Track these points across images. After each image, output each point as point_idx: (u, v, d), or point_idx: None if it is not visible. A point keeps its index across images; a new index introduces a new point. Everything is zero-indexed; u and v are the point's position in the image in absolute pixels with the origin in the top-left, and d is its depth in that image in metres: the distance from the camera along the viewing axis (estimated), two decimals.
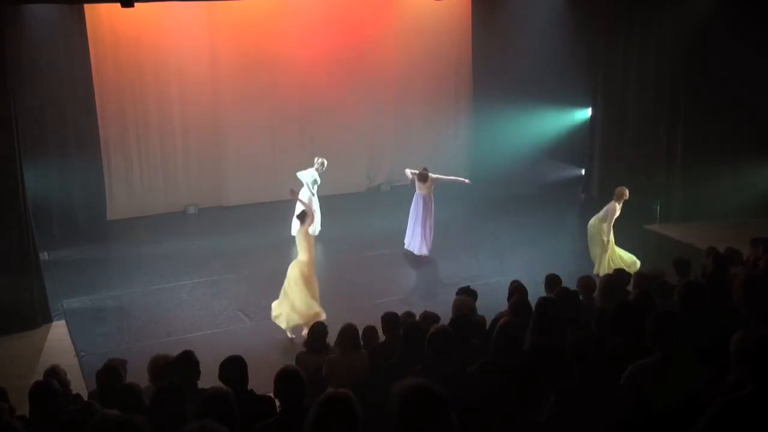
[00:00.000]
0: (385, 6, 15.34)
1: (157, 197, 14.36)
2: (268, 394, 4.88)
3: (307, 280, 9.27)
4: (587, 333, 4.42)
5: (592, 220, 11.08)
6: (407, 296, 10.31)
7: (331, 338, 6.53)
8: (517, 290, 6.93)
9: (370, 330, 6.75)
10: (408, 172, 12.24)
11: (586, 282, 7.20)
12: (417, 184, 12.00)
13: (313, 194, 12.59)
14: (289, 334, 9.27)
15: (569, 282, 7.25)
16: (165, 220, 14.09)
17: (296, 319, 9.18)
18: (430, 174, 11.91)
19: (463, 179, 12.33)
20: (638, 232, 13.09)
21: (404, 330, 5.70)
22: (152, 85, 14.03)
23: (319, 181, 12.68)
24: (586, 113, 15.30)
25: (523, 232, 12.81)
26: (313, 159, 12.83)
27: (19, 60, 11.69)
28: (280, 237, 12.90)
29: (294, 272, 9.29)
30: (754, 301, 4.97)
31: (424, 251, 11.86)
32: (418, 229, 11.88)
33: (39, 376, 6.21)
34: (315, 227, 12.08)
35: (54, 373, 5.93)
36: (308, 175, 12.62)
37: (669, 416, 3.96)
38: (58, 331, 9.86)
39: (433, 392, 2.99)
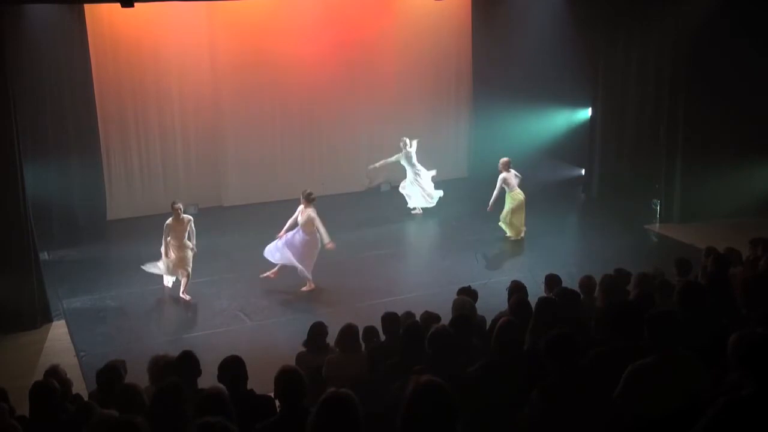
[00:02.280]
0: (385, 6, 15.33)
1: (157, 197, 14.32)
2: (268, 394, 4.88)
3: None
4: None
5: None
6: (407, 296, 10.30)
7: (331, 338, 6.53)
8: (517, 290, 6.93)
9: (370, 330, 6.74)
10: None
11: (586, 282, 7.20)
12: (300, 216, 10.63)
13: (416, 173, 13.74)
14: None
15: (569, 282, 7.25)
16: (165, 220, 14.07)
17: None
18: (311, 213, 10.54)
19: (329, 242, 10.78)
20: (638, 232, 13.10)
21: (404, 330, 5.69)
22: (152, 85, 14.02)
23: (408, 158, 13.67)
24: (586, 113, 15.31)
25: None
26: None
27: (19, 60, 11.67)
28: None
29: None
30: (753, 301, 4.98)
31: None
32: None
33: (39, 376, 6.20)
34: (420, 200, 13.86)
35: (54, 373, 5.92)
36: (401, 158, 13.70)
37: (669, 416, 3.96)
38: (58, 331, 9.86)
39: (447, 391, 3.01)
